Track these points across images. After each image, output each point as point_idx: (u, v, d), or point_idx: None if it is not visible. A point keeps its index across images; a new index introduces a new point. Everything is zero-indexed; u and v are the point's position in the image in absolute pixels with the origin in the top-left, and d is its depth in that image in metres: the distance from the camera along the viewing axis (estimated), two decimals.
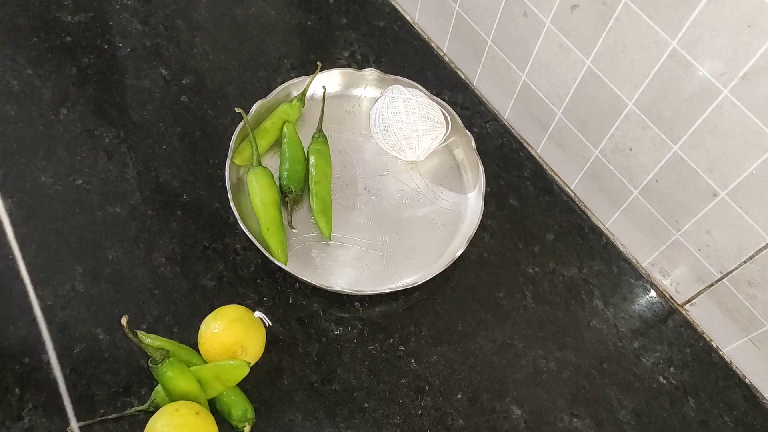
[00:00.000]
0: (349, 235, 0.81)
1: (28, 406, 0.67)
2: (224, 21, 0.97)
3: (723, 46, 0.61)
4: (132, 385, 0.69)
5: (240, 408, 0.68)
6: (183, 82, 0.91)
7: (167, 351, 0.66)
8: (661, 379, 0.77)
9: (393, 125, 0.85)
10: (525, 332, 0.78)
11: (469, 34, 0.91)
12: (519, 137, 0.93)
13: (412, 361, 0.75)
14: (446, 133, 0.87)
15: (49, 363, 0.69)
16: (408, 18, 1.02)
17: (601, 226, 0.87)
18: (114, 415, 0.67)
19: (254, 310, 0.72)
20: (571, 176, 0.88)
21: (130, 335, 0.64)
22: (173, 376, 0.65)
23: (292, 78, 0.89)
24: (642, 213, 0.80)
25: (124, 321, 0.64)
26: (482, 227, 0.83)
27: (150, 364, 0.65)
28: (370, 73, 0.90)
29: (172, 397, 0.66)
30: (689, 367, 0.78)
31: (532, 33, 0.81)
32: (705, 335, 0.81)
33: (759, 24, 0.58)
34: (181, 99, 0.89)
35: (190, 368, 0.67)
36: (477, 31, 0.90)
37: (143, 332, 0.69)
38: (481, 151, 0.87)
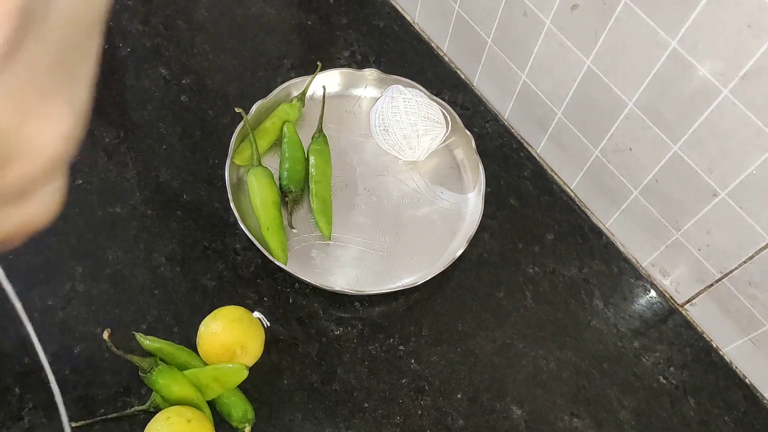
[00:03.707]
0: (349, 235, 0.81)
1: (28, 406, 0.67)
2: (224, 21, 0.97)
3: (723, 46, 0.61)
4: (132, 385, 0.69)
5: (240, 409, 0.68)
6: (183, 82, 0.91)
7: (155, 359, 0.66)
8: (661, 379, 0.77)
9: (393, 125, 0.85)
10: (525, 332, 0.78)
11: (469, 34, 0.91)
12: (519, 137, 0.93)
13: (412, 361, 0.75)
14: (446, 133, 0.87)
15: (49, 363, 0.69)
16: (408, 18, 1.02)
17: (601, 226, 0.87)
18: (114, 415, 0.67)
19: (254, 310, 0.72)
20: (571, 176, 0.88)
21: (113, 348, 0.64)
22: (165, 383, 0.65)
23: (292, 78, 0.89)
24: (642, 213, 0.80)
25: (105, 335, 0.64)
26: (482, 227, 0.83)
27: (140, 374, 0.65)
28: (370, 73, 0.90)
29: (169, 402, 0.66)
30: (689, 367, 0.78)
31: (532, 33, 0.81)
32: (705, 335, 0.81)
33: (759, 24, 0.58)
34: (181, 99, 0.89)
35: (189, 371, 0.67)
36: (477, 31, 0.90)
37: (141, 333, 0.69)
38: (481, 151, 0.87)
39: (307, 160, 0.84)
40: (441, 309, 0.79)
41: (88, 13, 0.19)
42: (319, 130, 0.85)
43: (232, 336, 0.68)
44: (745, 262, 0.71)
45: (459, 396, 0.74)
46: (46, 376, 0.69)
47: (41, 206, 0.22)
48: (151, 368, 0.65)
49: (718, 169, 0.68)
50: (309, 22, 0.99)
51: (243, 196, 0.81)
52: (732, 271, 0.73)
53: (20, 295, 0.75)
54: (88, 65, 0.19)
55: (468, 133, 0.86)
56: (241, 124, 0.82)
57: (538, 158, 0.91)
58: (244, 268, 0.78)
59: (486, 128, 0.93)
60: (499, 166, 0.90)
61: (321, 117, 0.86)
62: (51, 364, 0.69)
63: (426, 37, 1.00)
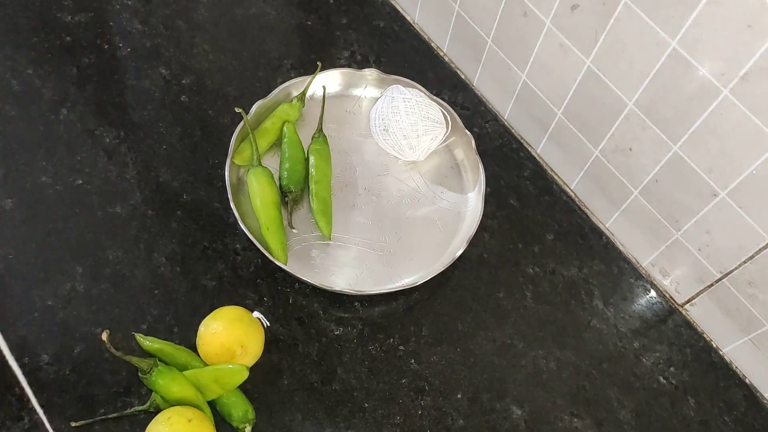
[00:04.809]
0: (349, 235, 0.81)
1: (28, 406, 0.67)
2: (224, 21, 0.97)
3: (723, 46, 0.61)
4: (132, 385, 0.69)
5: (240, 409, 0.68)
6: (183, 82, 0.91)
7: (155, 359, 0.66)
8: (661, 379, 0.77)
9: (393, 125, 0.85)
10: (525, 332, 0.78)
11: (469, 34, 0.91)
12: (519, 137, 0.93)
13: (412, 361, 0.75)
14: (446, 133, 0.87)
15: (48, 363, 0.69)
16: (408, 18, 1.02)
17: (601, 226, 0.87)
18: (114, 415, 0.67)
19: (253, 310, 0.72)
20: (571, 176, 0.88)
21: (112, 350, 0.64)
22: (164, 384, 0.65)
23: (292, 78, 0.89)
24: (642, 213, 0.80)
25: (104, 336, 0.64)
26: (482, 227, 0.83)
27: (140, 375, 0.65)
28: (370, 73, 0.90)
29: (169, 403, 0.66)
30: (689, 367, 0.78)
31: (532, 33, 0.81)
32: (705, 335, 0.81)
33: (759, 24, 0.58)
34: (181, 99, 0.89)
35: (189, 371, 0.67)
36: (477, 31, 0.90)
37: (141, 334, 0.69)
38: (481, 151, 0.87)
39: (307, 160, 0.84)
40: (441, 309, 0.79)
41: None
42: (319, 130, 0.85)
43: (232, 336, 0.68)
44: (745, 262, 0.71)
45: (459, 396, 0.74)
46: (47, 376, 0.69)
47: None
48: (151, 369, 0.65)
49: (718, 169, 0.68)
50: (309, 22, 0.99)
51: (243, 196, 0.81)
52: (732, 271, 0.73)
53: (20, 295, 0.75)
54: None
55: (468, 133, 0.86)
56: (241, 124, 0.82)
57: (538, 158, 0.91)
58: (244, 268, 0.78)
59: (486, 128, 0.93)
60: (499, 166, 0.90)
61: (321, 117, 0.86)
62: (51, 364, 0.70)
63: (426, 37, 1.00)
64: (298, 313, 0.76)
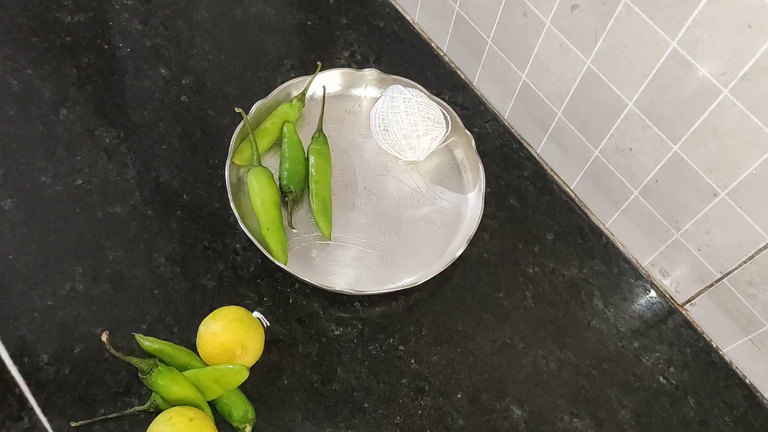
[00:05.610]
0: (349, 235, 0.81)
1: (28, 406, 0.67)
2: (224, 21, 0.97)
3: (723, 46, 0.61)
4: (132, 385, 0.69)
5: (240, 409, 0.68)
6: (183, 82, 0.91)
7: (154, 360, 0.66)
8: (661, 379, 0.77)
9: (393, 125, 0.85)
10: (525, 332, 0.78)
11: (469, 34, 0.91)
12: (519, 137, 0.93)
13: (412, 361, 0.75)
14: (446, 133, 0.87)
15: (48, 363, 0.69)
16: (408, 18, 1.02)
17: (601, 226, 0.87)
18: (114, 415, 0.67)
19: (253, 311, 0.72)
20: (571, 176, 0.88)
21: (112, 351, 0.64)
22: (164, 384, 0.65)
23: (292, 78, 0.89)
24: (642, 213, 0.80)
25: (104, 337, 0.64)
26: (482, 227, 0.83)
27: (140, 375, 0.66)
28: (370, 73, 0.90)
29: (169, 403, 0.66)
30: (689, 367, 0.78)
31: (532, 33, 0.81)
32: (705, 335, 0.81)
33: (759, 24, 0.58)
34: (181, 99, 0.89)
35: (189, 372, 0.67)
36: (477, 31, 0.90)
37: (141, 335, 0.69)
38: (481, 151, 0.87)
39: (307, 160, 0.84)
40: (441, 309, 0.79)
41: None
42: (319, 130, 0.85)
43: (232, 336, 0.68)
44: (745, 262, 0.71)
45: (459, 396, 0.74)
46: (47, 376, 0.69)
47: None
48: (151, 369, 0.65)
49: (718, 169, 0.68)
50: (309, 22, 0.99)
51: (243, 196, 0.81)
52: (732, 271, 0.73)
53: (20, 295, 0.75)
54: None
55: (468, 133, 0.86)
56: (241, 124, 0.82)
57: (538, 158, 0.91)
58: (244, 268, 0.78)
59: (486, 128, 0.93)
60: (499, 166, 0.90)
61: (321, 117, 0.86)
62: (50, 364, 0.70)
63: (426, 37, 1.00)
64: (298, 313, 0.76)
